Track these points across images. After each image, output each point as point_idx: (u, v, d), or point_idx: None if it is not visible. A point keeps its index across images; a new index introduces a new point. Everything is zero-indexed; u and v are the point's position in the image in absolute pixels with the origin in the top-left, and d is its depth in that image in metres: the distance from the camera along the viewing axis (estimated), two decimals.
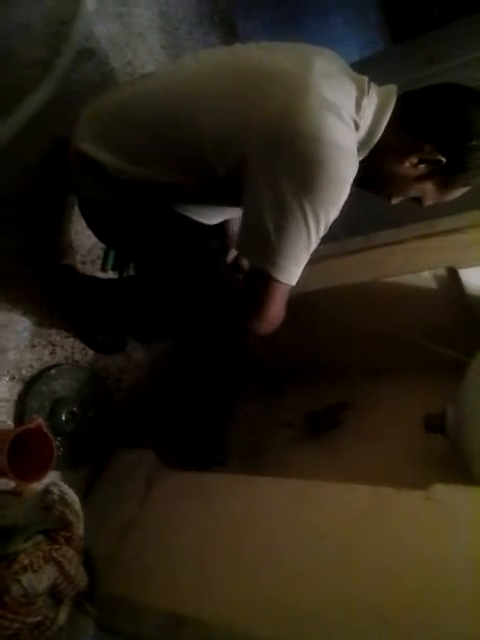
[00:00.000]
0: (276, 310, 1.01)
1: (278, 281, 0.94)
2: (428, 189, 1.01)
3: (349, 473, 1.17)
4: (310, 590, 0.86)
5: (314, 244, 0.93)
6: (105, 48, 1.51)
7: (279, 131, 0.87)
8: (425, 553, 0.84)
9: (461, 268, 1.25)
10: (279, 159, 0.87)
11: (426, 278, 1.32)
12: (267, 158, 0.88)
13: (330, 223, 0.92)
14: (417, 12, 3.11)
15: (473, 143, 0.93)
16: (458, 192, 1.03)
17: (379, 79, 1.02)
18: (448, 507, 0.87)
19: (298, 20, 2.44)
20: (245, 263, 1.34)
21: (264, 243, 0.91)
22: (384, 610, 0.78)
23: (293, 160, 0.86)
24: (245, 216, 0.96)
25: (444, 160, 0.94)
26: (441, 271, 1.29)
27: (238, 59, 1.02)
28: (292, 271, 0.94)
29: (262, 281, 0.95)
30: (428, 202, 1.05)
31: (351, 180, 0.90)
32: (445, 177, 0.99)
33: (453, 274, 1.27)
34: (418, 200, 1.05)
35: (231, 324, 1.08)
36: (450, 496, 0.88)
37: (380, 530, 0.89)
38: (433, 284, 1.32)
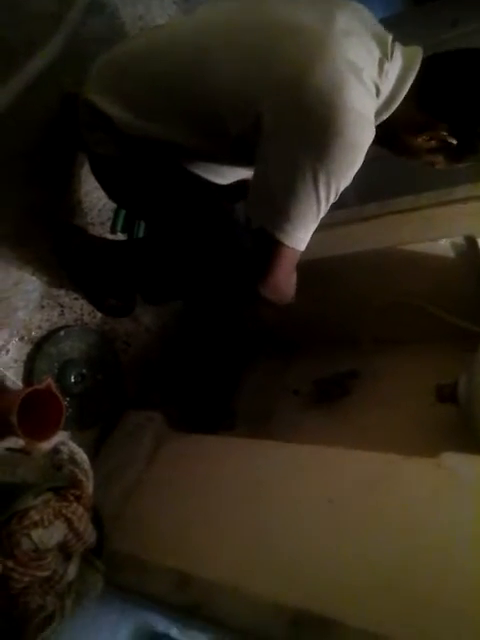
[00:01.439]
0: (283, 275, 0.99)
1: (284, 245, 0.91)
2: (438, 159, 1.00)
3: (357, 441, 1.17)
4: (315, 553, 0.87)
5: (323, 211, 0.91)
6: (116, 2, 1.46)
7: (297, 92, 0.83)
8: (433, 520, 0.84)
9: None
10: (295, 121, 0.84)
11: (443, 246, 1.29)
12: (283, 118, 0.85)
13: (340, 191, 0.90)
14: None
15: None
16: (469, 162, 1.01)
17: (402, 40, 0.97)
18: (458, 475, 0.87)
19: None
20: None
21: (272, 205, 0.89)
22: (388, 575, 0.79)
23: (309, 124, 0.83)
24: (255, 176, 0.93)
25: (455, 142, 0.92)
26: (459, 239, 1.26)
27: (257, 11, 0.97)
28: (299, 236, 0.91)
29: (268, 244, 0.93)
30: (439, 167, 1.04)
31: (366, 148, 0.87)
32: (455, 154, 0.97)
33: (472, 243, 1.25)
34: (430, 164, 1.04)
35: (243, 285, 1.06)
36: (461, 464, 0.88)
37: (388, 496, 0.90)
38: (450, 253, 1.29)
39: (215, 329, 1.68)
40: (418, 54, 0.92)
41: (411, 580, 0.78)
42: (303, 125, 0.83)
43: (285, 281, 1.02)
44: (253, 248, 0.97)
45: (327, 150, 0.83)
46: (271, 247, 0.93)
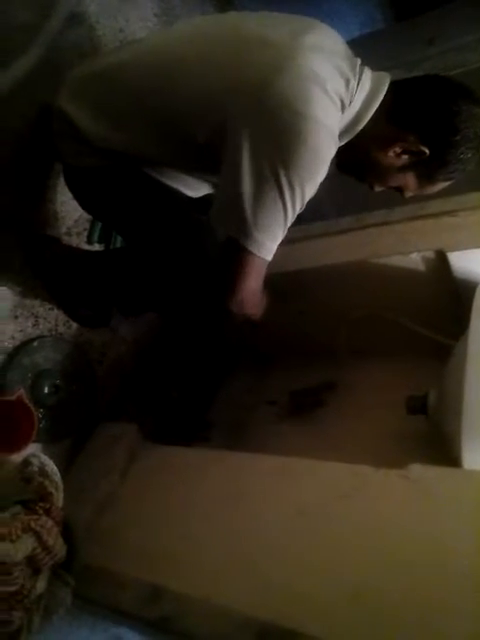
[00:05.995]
0: (250, 287, 0.98)
1: (252, 253, 0.91)
2: (410, 180, 1.00)
3: (331, 452, 1.18)
4: (283, 565, 0.87)
5: (290, 219, 0.91)
6: (96, 13, 1.47)
7: (262, 98, 0.85)
8: (400, 532, 0.84)
9: (450, 251, 1.25)
10: (259, 127, 0.85)
11: (415, 260, 1.31)
12: (247, 125, 0.86)
13: (306, 200, 0.91)
14: None
15: (457, 138, 0.92)
16: (439, 186, 1.03)
17: (378, 57, 1.00)
18: (424, 486, 0.88)
19: None
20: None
21: (239, 213, 0.89)
22: (355, 586, 0.79)
23: (273, 130, 0.85)
24: (221, 184, 0.94)
25: (427, 152, 0.93)
26: (430, 254, 1.29)
27: (229, 26, 1.01)
28: (267, 245, 0.91)
29: (236, 253, 0.93)
30: (409, 193, 1.04)
31: (329, 159, 0.89)
32: (427, 170, 0.98)
33: (442, 257, 1.27)
34: (399, 190, 1.04)
35: (214, 298, 1.06)
36: (427, 476, 0.89)
37: (356, 507, 0.90)
38: (421, 266, 1.32)
39: (192, 340, 1.68)
40: (386, 78, 0.95)
41: (378, 593, 0.79)
42: (268, 133, 0.85)
43: (254, 293, 1.01)
44: (221, 260, 0.96)
45: (292, 157, 0.84)
46: (239, 256, 0.93)
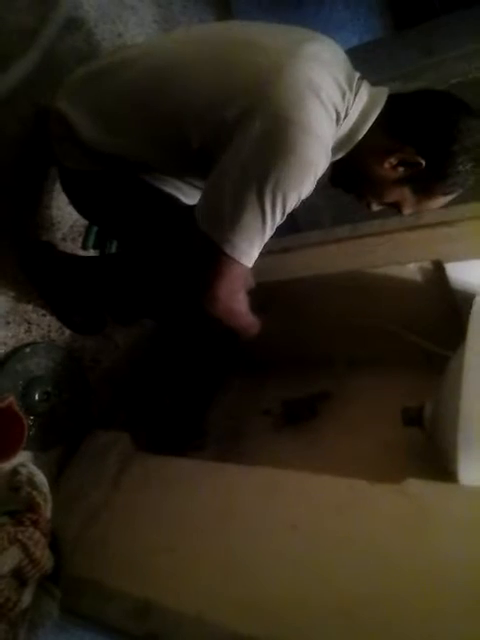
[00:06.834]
0: (226, 288, 0.95)
1: (226, 254, 0.89)
2: (406, 194, 0.99)
3: (325, 463, 1.16)
4: (276, 580, 0.85)
5: (269, 227, 0.89)
6: (95, 18, 1.47)
7: (255, 103, 0.84)
8: (396, 548, 0.83)
9: (447, 262, 1.24)
10: (252, 131, 0.84)
11: (412, 270, 1.31)
12: (241, 129, 0.85)
13: (289, 210, 0.89)
14: (419, 1, 3.05)
15: (454, 148, 0.91)
16: (437, 201, 1.01)
17: (377, 66, 0.99)
18: (420, 502, 0.86)
19: (297, 0, 2.39)
20: None
21: (219, 213, 0.88)
22: (348, 603, 0.78)
23: (265, 135, 0.83)
24: (208, 182, 0.93)
25: (423, 163, 0.92)
26: (427, 264, 1.28)
27: (228, 32, 1.01)
28: (242, 248, 0.89)
29: (212, 252, 0.90)
30: (406, 210, 1.03)
31: (319, 172, 0.87)
32: (424, 183, 0.97)
33: (439, 267, 1.26)
34: (396, 206, 1.03)
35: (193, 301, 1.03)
36: (423, 491, 0.88)
37: (351, 522, 0.89)
38: (418, 277, 1.31)
39: (186, 347, 1.67)
40: (384, 93, 0.95)
41: (372, 610, 0.77)
42: (259, 137, 0.84)
43: (228, 295, 0.98)
44: (197, 255, 0.94)
45: (277, 165, 0.83)
46: (213, 254, 0.91)
